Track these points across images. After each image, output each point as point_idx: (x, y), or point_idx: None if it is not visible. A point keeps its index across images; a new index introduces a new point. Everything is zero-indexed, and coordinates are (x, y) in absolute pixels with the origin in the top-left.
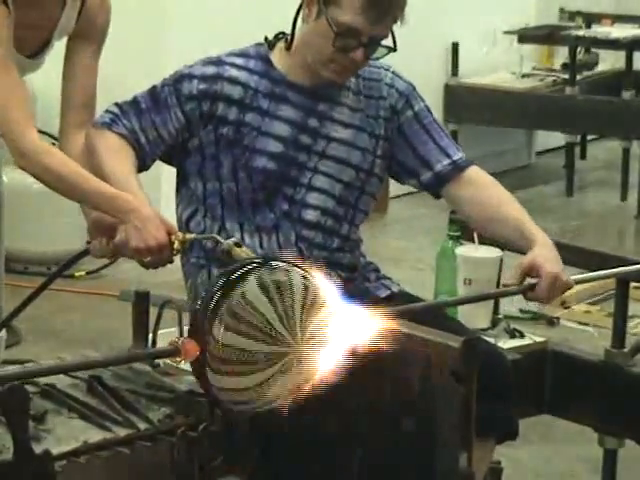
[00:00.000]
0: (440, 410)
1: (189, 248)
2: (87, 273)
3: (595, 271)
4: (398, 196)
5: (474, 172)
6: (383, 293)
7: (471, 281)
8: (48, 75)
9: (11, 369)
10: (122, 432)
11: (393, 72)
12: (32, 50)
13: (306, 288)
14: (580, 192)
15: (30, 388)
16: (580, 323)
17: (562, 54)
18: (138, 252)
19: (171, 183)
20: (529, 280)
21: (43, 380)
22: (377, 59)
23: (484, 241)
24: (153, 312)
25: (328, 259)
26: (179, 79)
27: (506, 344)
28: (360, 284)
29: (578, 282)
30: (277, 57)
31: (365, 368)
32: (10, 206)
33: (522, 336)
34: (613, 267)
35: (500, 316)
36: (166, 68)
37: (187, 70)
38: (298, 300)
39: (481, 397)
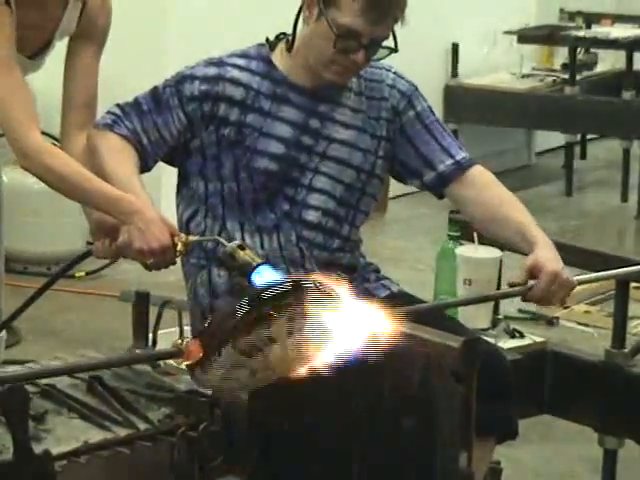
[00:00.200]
0: (440, 410)
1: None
2: (87, 273)
3: (594, 271)
4: (398, 196)
5: (477, 172)
6: (383, 293)
7: (471, 281)
8: (49, 76)
9: (11, 369)
10: (122, 432)
11: (395, 73)
12: (33, 50)
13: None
14: (580, 192)
15: (30, 388)
16: (580, 323)
17: (562, 54)
18: (141, 254)
19: (171, 184)
20: (531, 282)
21: (43, 380)
22: (378, 60)
23: (484, 241)
24: (153, 312)
25: (328, 259)
26: (181, 80)
27: (506, 344)
28: (360, 284)
29: (580, 283)
30: (278, 58)
31: (365, 368)
32: (10, 206)
33: (522, 336)
34: (613, 267)
35: (500, 316)
36: (167, 69)
37: (189, 71)
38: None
39: (481, 397)
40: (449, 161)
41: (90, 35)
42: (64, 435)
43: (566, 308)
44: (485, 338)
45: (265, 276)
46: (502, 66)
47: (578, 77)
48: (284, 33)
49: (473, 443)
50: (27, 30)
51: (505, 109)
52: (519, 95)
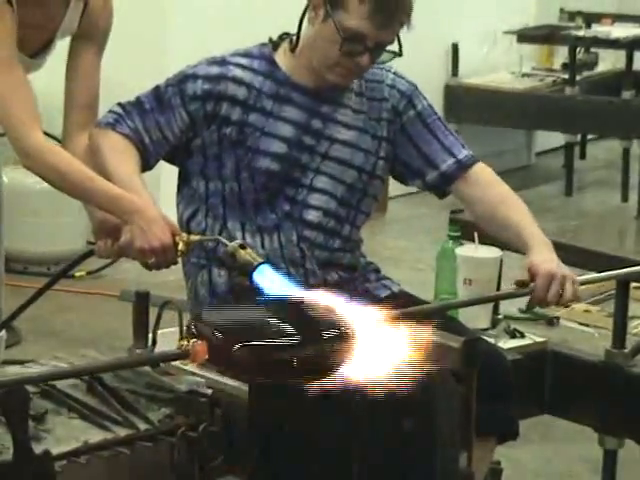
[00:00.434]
0: (440, 410)
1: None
2: (87, 273)
3: (594, 271)
4: (398, 196)
5: (479, 170)
6: (383, 293)
7: (471, 281)
8: (50, 76)
9: (12, 370)
10: (122, 432)
11: (394, 73)
12: (34, 50)
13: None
14: (580, 192)
15: (30, 388)
16: (580, 323)
17: (562, 54)
18: (142, 253)
19: (171, 183)
20: (532, 285)
21: None
22: (382, 63)
23: (484, 241)
24: (153, 312)
25: (329, 259)
26: (183, 79)
27: (506, 344)
28: (360, 284)
29: (580, 284)
30: (281, 58)
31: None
32: (10, 206)
33: (522, 336)
34: (612, 267)
35: (500, 316)
36: (167, 69)
37: (191, 70)
38: None
39: (481, 397)
40: (451, 160)
41: (91, 35)
42: (64, 435)
43: (566, 308)
44: (485, 338)
45: (266, 275)
46: (502, 66)
47: (578, 77)
48: (287, 33)
49: (473, 443)
50: (29, 30)
51: (505, 109)
52: (519, 95)
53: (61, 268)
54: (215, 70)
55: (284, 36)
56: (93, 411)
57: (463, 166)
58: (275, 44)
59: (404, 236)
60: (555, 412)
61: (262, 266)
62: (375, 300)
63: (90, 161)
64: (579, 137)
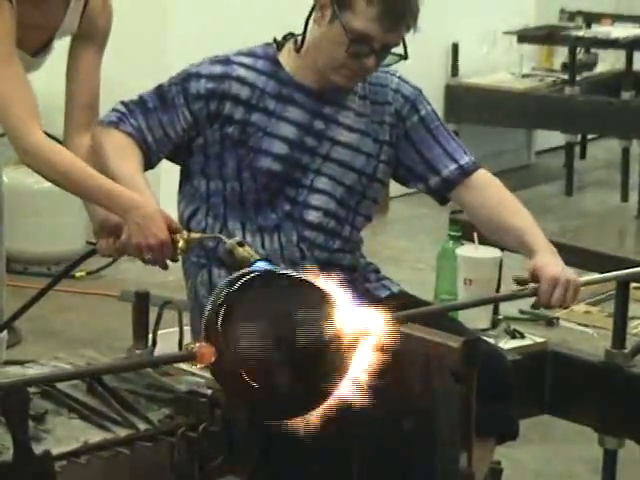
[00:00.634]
0: (440, 410)
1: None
2: (87, 273)
3: (594, 271)
4: (398, 196)
5: (481, 176)
6: (383, 293)
7: (471, 281)
8: (51, 76)
9: (12, 371)
10: (122, 432)
11: (399, 77)
12: (34, 49)
13: None
14: (580, 192)
15: (30, 388)
16: (580, 324)
17: (562, 54)
18: (139, 249)
19: (170, 182)
20: (532, 285)
21: None
22: (387, 66)
23: (484, 241)
24: (153, 312)
25: (329, 260)
26: (186, 78)
27: (506, 345)
28: (360, 285)
29: (581, 285)
30: (285, 58)
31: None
32: (10, 206)
33: (522, 337)
34: (612, 267)
35: (500, 317)
36: (167, 69)
37: (195, 69)
38: None
39: (481, 397)
40: (453, 166)
41: (91, 36)
42: (64, 435)
43: (566, 308)
44: (485, 338)
45: None
46: (502, 66)
47: (578, 77)
48: (292, 33)
49: (473, 443)
50: (28, 29)
51: (505, 109)
52: (519, 95)
53: (62, 268)
54: (219, 69)
55: (289, 36)
56: (93, 411)
57: (465, 172)
58: (279, 44)
59: (404, 236)
60: (555, 412)
61: (259, 262)
62: (375, 300)
63: (92, 160)
64: (579, 137)
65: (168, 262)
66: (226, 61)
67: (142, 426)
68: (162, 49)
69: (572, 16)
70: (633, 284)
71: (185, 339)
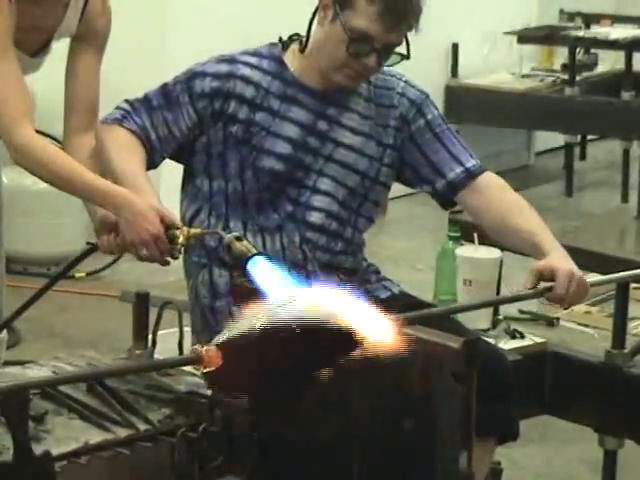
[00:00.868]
0: (440, 410)
1: (192, 246)
2: (87, 274)
3: (594, 272)
4: (398, 196)
5: (487, 179)
6: (383, 294)
7: (471, 282)
8: (49, 78)
9: (12, 371)
10: (122, 433)
11: (405, 81)
12: (33, 50)
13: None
14: (580, 193)
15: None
16: (580, 324)
17: (562, 54)
18: (134, 246)
19: (172, 181)
20: (543, 284)
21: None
22: (390, 66)
23: (484, 242)
24: (153, 312)
25: (330, 262)
26: (192, 77)
27: (506, 345)
28: (361, 286)
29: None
30: (290, 58)
31: (365, 368)
32: (10, 207)
33: (522, 337)
34: (612, 268)
35: (500, 317)
36: (167, 69)
37: (200, 68)
38: None
39: (481, 397)
40: (459, 169)
41: (90, 38)
42: (64, 436)
43: (566, 309)
44: (485, 339)
45: (260, 267)
46: (502, 66)
47: (578, 78)
48: (298, 34)
49: (473, 443)
50: (27, 31)
51: (505, 109)
52: (519, 95)
53: (63, 267)
54: (224, 68)
55: (294, 37)
56: (93, 412)
57: (471, 175)
58: (285, 44)
59: (404, 236)
60: (555, 412)
61: (256, 257)
62: (375, 301)
63: (93, 163)
64: (579, 137)
65: (170, 262)
66: (231, 60)
67: (142, 426)
68: (162, 49)
69: (572, 16)
70: (633, 284)
71: (185, 340)
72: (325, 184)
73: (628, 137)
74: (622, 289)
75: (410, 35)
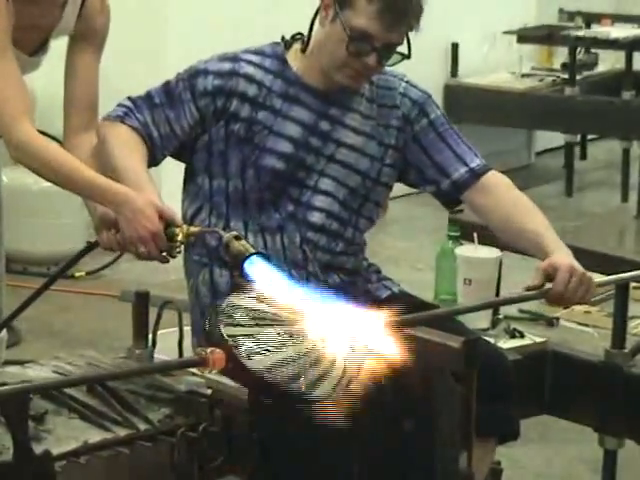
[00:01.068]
0: (440, 410)
1: (192, 244)
2: (87, 273)
3: (594, 272)
4: (398, 196)
5: (492, 178)
6: (384, 294)
7: (471, 281)
8: (49, 77)
9: (11, 371)
10: (122, 432)
11: (407, 81)
12: (31, 49)
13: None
14: (580, 192)
15: None
16: (580, 324)
17: (562, 54)
18: (132, 243)
19: (171, 180)
20: (549, 285)
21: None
22: (391, 66)
23: (484, 241)
24: (153, 312)
25: (331, 262)
26: (194, 74)
27: (506, 344)
28: (361, 286)
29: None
30: (293, 58)
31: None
32: (10, 206)
33: (522, 336)
34: (612, 268)
35: (500, 316)
36: (167, 69)
37: (202, 66)
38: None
39: (482, 397)
40: (464, 169)
41: (89, 36)
42: (64, 435)
43: (566, 308)
44: (485, 338)
45: (257, 266)
46: (502, 66)
47: (578, 77)
48: (301, 33)
49: (473, 443)
50: (26, 30)
51: (505, 109)
52: (519, 95)
53: (63, 264)
54: (227, 66)
55: (297, 36)
56: (93, 411)
57: (475, 174)
58: (287, 44)
59: (404, 236)
60: (555, 412)
61: (254, 257)
62: (375, 301)
63: (93, 161)
64: (579, 137)
65: (169, 259)
66: (234, 58)
67: (142, 426)
68: (162, 49)
69: (572, 16)
70: (633, 284)
71: (185, 339)
72: (326, 184)
73: (628, 137)
74: (622, 289)
75: (410, 35)
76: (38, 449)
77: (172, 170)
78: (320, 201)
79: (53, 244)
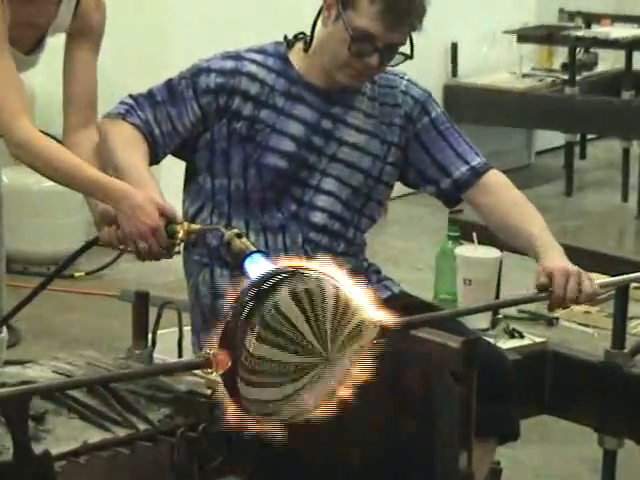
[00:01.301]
0: (440, 410)
1: (192, 244)
2: (87, 273)
3: (594, 272)
4: (398, 196)
5: (492, 177)
6: (384, 294)
7: (471, 281)
8: (47, 76)
9: (11, 371)
10: (122, 432)
11: (408, 80)
12: (28, 47)
13: (337, 297)
14: (580, 192)
15: None
16: (580, 324)
17: (562, 54)
18: (132, 239)
19: (171, 179)
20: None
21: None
22: (393, 66)
23: (484, 241)
24: (153, 312)
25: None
26: (196, 72)
27: (506, 344)
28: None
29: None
30: (295, 57)
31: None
32: (10, 206)
33: (522, 336)
34: (612, 267)
35: (500, 316)
36: (167, 69)
37: (205, 64)
38: (330, 310)
39: (481, 398)
40: (464, 167)
41: (85, 33)
42: (64, 435)
43: (566, 308)
44: (485, 338)
45: (258, 264)
46: (502, 66)
47: (578, 77)
48: (304, 33)
49: (473, 443)
50: (22, 28)
51: (505, 109)
52: (519, 95)
53: (64, 260)
54: (229, 64)
55: (300, 36)
56: (93, 411)
57: (476, 173)
58: (290, 43)
59: (404, 236)
60: (555, 412)
61: (255, 255)
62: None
63: (93, 158)
64: (579, 137)
65: (170, 261)
66: (237, 57)
67: (142, 426)
68: (162, 49)
69: (572, 16)
70: (633, 284)
71: (185, 339)
72: (329, 184)
73: (628, 136)
74: (622, 289)
75: (412, 35)
76: (38, 449)
77: (171, 170)
78: (322, 201)
79: (53, 244)
